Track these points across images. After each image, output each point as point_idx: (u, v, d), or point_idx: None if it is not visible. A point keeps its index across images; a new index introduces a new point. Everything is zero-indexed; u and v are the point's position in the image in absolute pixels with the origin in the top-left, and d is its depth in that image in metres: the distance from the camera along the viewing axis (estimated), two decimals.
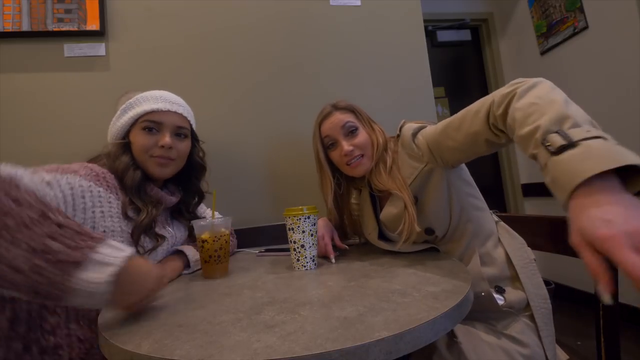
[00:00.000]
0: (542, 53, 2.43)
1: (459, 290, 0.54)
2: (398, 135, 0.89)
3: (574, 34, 2.17)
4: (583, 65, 2.16)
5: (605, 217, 0.37)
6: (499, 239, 0.86)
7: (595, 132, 0.44)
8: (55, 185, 0.64)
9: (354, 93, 1.43)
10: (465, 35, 2.82)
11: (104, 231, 0.71)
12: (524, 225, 0.93)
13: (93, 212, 0.69)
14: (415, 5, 1.53)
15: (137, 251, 0.76)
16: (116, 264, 0.49)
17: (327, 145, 0.92)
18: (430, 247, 0.87)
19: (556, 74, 2.35)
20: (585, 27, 2.10)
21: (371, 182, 0.89)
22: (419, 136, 0.83)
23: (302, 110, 1.38)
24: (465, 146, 0.73)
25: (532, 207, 2.64)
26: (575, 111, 0.49)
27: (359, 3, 1.48)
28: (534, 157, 0.51)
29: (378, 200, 0.95)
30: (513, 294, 0.78)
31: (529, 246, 0.88)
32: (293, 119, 1.38)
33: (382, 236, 0.94)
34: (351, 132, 0.89)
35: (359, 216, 1.00)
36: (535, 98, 0.54)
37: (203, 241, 0.79)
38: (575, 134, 0.45)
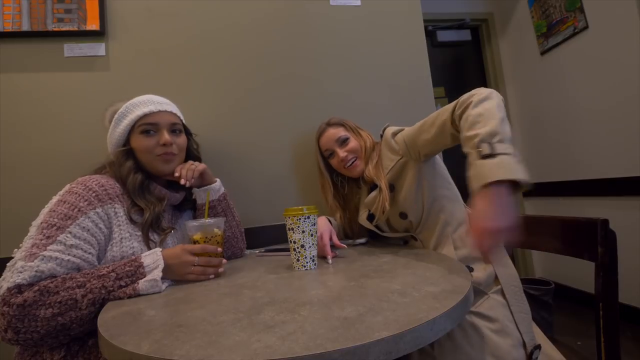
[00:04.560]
0: (542, 53, 2.43)
1: (458, 290, 0.54)
2: (381, 136, 1.05)
3: (574, 34, 2.17)
4: (583, 65, 2.16)
5: (485, 214, 0.61)
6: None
7: (509, 150, 0.65)
8: (94, 231, 0.75)
9: (354, 93, 1.43)
10: (465, 35, 2.82)
11: (121, 239, 0.78)
12: (523, 225, 0.93)
13: (112, 229, 0.79)
14: (415, 5, 1.53)
15: (149, 247, 0.81)
16: (160, 265, 0.73)
17: (327, 156, 1.13)
18: (412, 238, 1.01)
19: (556, 74, 2.35)
20: (585, 27, 2.10)
21: (364, 176, 1.04)
22: (399, 135, 0.98)
23: (302, 110, 1.38)
24: (436, 138, 0.86)
25: (532, 207, 2.64)
26: (505, 129, 0.68)
27: (359, 3, 1.48)
28: (468, 154, 0.69)
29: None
30: (481, 272, 0.85)
31: (529, 246, 0.89)
32: (293, 119, 1.37)
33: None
34: (343, 142, 1.08)
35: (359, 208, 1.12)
36: (484, 110, 0.71)
37: (195, 242, 0.79)
38: (498, 148, 0.65)
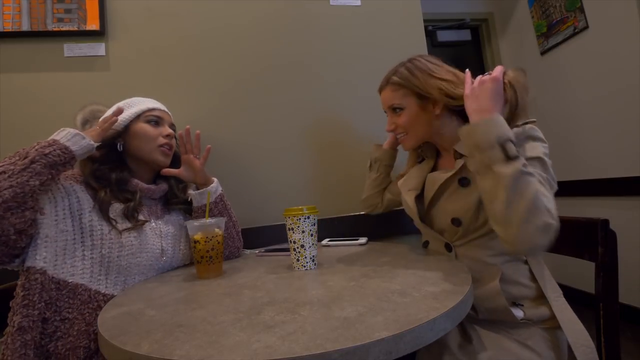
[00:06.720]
0: (542, 53, 2.43)
1: (458, 290, 0.54)
2: (519, 125, 0.80)
3: (574, 34, 2.17)
4: (583, 65, 2.16)
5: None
6: (525, 260, 0.82)
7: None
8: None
9: (354, 93, 1.43)
10: (465, 35, 2.82)
11: (78, 201, 0.80)
12: None
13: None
14: (415, 5, 1.53)
15: (112, 224, 0.82)
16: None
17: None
18: (444, 246, 0.86)
19: (556, 74, 2.35)
20: (586, 27, 2.10)
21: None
22: (529, 149, 0.77)
23: (302, 110, 1.38)
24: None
25: None
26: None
27: (359, 3, 1.48)
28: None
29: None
30: (532, 310, 0.76)
31: None
32: (293, 118, 1.37)
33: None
34: (395, 110, 0.88)
35: (409, 170, 0.98)
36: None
37: (195, 242, 0.80)
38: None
